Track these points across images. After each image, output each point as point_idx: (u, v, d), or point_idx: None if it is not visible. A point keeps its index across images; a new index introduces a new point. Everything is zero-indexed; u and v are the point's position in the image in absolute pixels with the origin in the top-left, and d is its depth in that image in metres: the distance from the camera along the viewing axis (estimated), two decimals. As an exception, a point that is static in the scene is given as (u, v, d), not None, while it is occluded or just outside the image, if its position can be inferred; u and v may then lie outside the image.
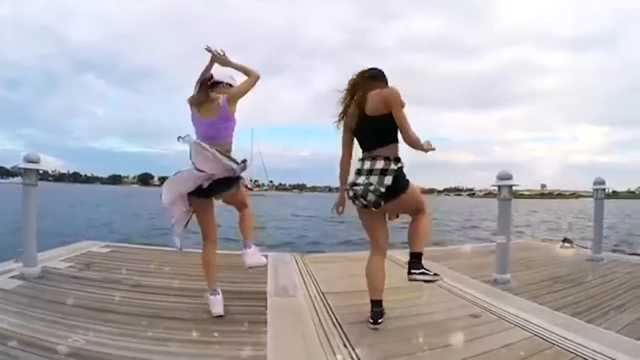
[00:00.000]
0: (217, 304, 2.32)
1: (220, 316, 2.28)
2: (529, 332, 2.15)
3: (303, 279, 3.24)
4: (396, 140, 2.17)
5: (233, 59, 2.30)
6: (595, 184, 4.31)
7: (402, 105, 2.11)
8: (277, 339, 2.02)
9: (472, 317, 2.40)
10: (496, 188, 3.34)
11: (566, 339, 2.04)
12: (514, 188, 3.32)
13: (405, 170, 2.16)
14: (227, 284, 2.89)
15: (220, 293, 2.38)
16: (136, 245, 4.48)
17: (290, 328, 2.18)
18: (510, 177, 3.28)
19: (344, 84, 2.29)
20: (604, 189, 4.32)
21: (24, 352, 1.72)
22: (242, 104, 2.35)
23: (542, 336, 2.08)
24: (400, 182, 2.11)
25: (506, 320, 2.32)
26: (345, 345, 1.97)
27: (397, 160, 2.13)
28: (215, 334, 2.05)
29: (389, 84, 2.24)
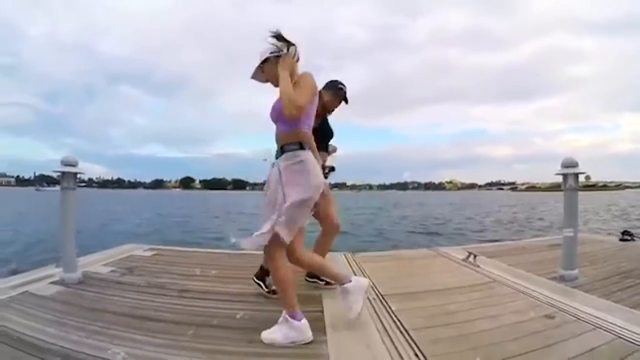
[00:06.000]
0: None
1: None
2: (611, 333, 1.91)
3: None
4: None
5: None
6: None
7: None
8: (338, 349, 1.78)
9: (546, 318, 2.14)
10: (560, 177, 2.99)
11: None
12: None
13: None
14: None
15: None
16: (180, 248, 4.35)
17: (351, 336, 1.93)
18: (576, 165, 2.94)
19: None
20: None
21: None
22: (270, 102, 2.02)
23: (627, 338, 1.86)
24: None
25: (584, 321, 2.08)
26: (416, 355, 1.71)
27: None
28: (269, 344, 1.83)
29: None
